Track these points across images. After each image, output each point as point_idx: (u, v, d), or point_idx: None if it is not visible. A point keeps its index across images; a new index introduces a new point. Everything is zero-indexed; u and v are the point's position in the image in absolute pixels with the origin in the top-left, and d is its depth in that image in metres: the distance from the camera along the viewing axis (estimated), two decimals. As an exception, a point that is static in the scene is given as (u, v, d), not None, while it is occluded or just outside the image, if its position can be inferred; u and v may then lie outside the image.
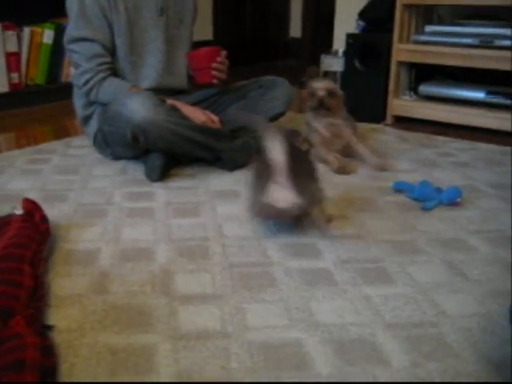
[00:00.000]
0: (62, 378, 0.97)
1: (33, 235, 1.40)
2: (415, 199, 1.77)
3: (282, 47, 5.28)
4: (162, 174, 1.91)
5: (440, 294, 1.25)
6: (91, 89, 1.98)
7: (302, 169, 1.45)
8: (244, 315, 1.15)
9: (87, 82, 1.98)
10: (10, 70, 3.04)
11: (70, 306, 1.18)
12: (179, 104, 1.94)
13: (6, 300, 1.11)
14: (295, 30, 5.22)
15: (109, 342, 1.06)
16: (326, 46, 3.58)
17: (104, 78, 1.97)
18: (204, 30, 2.29)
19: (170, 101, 1.92)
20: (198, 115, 1.96)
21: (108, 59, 1.99)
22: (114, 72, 2.02)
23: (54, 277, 1.30)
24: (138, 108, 1.75)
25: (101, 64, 1.97)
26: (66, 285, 1.27)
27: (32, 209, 1.52)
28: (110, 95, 1.97)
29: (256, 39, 5.01)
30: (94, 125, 2.11)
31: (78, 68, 2.00)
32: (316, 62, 4.13)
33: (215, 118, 2.02)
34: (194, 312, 1.16)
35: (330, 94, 2.12)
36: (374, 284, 1.28)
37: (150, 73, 2.07)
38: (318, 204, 1.51)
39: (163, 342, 1.06)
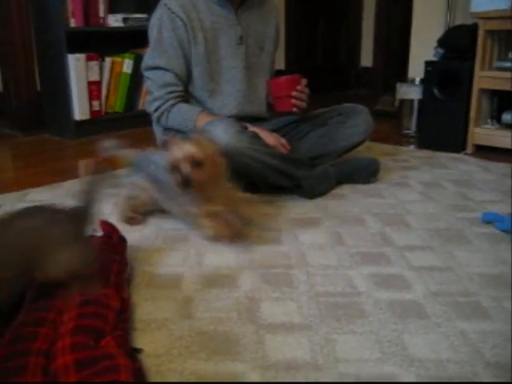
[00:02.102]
0: (152, 403, 0.95)
1: (112, 257, 1.41)
2: (505, 231, 1.68)
3: (353, 76, 5.26)
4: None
5: (543, 332, 1.17)
6: (161, 115, 2.02)
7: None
8: (334, 346, 1.11)
9: (157, 108, 2.02)
10: (91, 98, 3.15)
11: (156, 331, 1.17)
12: (253, 128, 1.94)
13: (97, 320, 1.12)
14: (366, 59, 5.20)
15: (196, 369, 1.04)
16: (398, 74, 3.54)
17: (173, 105, 2.00)
18: (276, 59, 2.29)
19: (250, 127, 1.92)
20: (268, 138, 1.95)
21: (180, 88, 2.02)
22: (186, 100, 2.05)
23: (138, 300, 1.30)
24: (220, 135, 1.76)
25: (171, 92, 2.00)
26: (150, 308, 1.26)
27: (110, 230, 1.55)
28: (178, 121, 2.00)
29: (327, 68, 5.02)
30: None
31: (151, 95, 2.05)
32: (387, 90, 4.09)
33: (285, 142, 2.01)
34: (281, 341, 1.12)
35: (196, 163, 1.53)
36: (469, 319, 1.21)
37: (230, 101, 2.08)
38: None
39: (252, 372, 1.03)
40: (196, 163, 1.53)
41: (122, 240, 1.50)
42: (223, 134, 1.76)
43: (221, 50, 2.05)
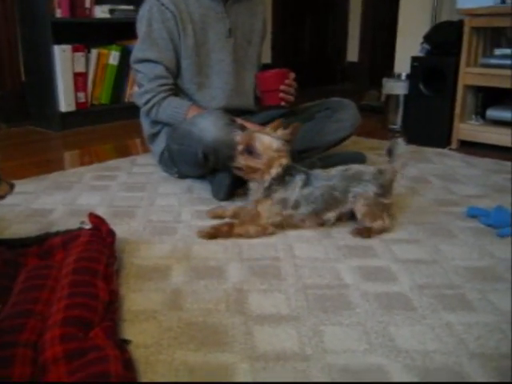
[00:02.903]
0: (141, 394, 0.96)
1: (101, 249, 1.41)
2: (490, 225, 1.71)
3: (339, 71, 5.28)
4: (229, 193, 1.91)
5: (526, 324, 1.19)
6: (151, 108, 2.01)
7: None
8: (322, 338, 1.12)
9: (148, 101, 2.01)
10: (77, 89, 3.13)
11: (145, 322, 1.17)
12: (247, 123, 1.94)
13: (86, 311, 1.12)
14: (352, 54, 5.22)
15: (186, 360, 1.04)
16: (384, 69, 3.56)
17: (164, 98, 2.00)
18: (263, 53, 2.29)
19: (238, 120, 1.92)
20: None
21: (170, 81, 2.02)
22: (176, 93, 2.05)
23: (126, 292, 1.30)
24: (209, 127, 1.76)
25: (162, 85, 2.00)
26: (139, 300, 1.26)
27: (98, 223, 1.54)
28: (168, 114, 2.00)
29: (313, 63, 5.03)
30: (160, 143, 2.14)
31: (141, 88, 2.04)
32: (373, 85, 4.11)
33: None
34: (270, 332, 1.13)
35: (249, 151, 1.63)
36: (454, 311, 1.23)
37: (218, 94, 2.08)
38: None
39: (241, 362, 1.04)
40: (249, 151, 1.61)
41: (111, 233, 1.50)
42: (212, 126, 1.76)
43: (210, 42, 2.05)
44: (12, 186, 1.49)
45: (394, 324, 1.18)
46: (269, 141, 1.62)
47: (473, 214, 1.78)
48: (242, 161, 1.64)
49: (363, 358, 1.06)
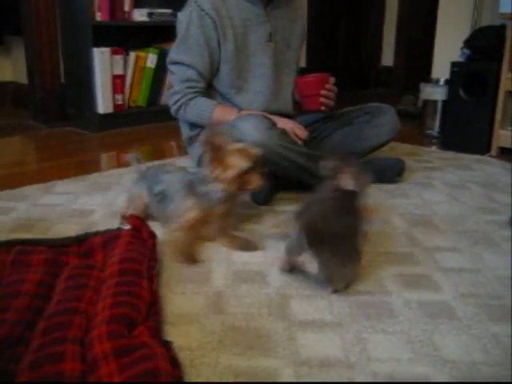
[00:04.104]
0: (187, 396, 0.96)
1: (143, 250, 1.42)
2: (534, 235, 1.68)
3: (373, 75, 5.24)
4: (268, 197, 1.91)
5: None
6: (179, 109, 2.03)
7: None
8: (365, 345, 1.11)
9: (176, 102, 2.03)
10: (115, 91, 3.17)
11: (188, 325, 1.18)
12: (271, 116, 1.92)
13: (130, 310, 1.13)
14: (387, 58, 5.18)
15: (230, 364, 1.05)
16: (420, 74, 3.52)
17: (191, 99, 2.01)
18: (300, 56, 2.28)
19: (257, 112, 1.93)
20: (285, 124, 1.94)
21: (200, 84, 2.03)
22: (206, 96, 2.05)
23: (168, 294, 1.31)
24: (250, 131, 1.76)
25: (191, 87, 2.01)
26: (181, 303, 1.27)
27: (139, 225, 1.56)
28: (195, 113, 2.02)
29: (348, 67, 5.00)
30: (199, 146, 2.14)
31: (172, 88, 2.06)
32: (408, 90, 4.07)
33: (302, 127, 1.99)
34: (313, 338, 1.13)
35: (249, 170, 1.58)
36: (500, 322, 1.21)
37: (257, 98, 2.08)
38: None
39: (285, 368, 1.04)
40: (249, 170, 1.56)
41: (152, 235, 1.51)
42: (253, 130, 1.76)
43: (250, 46, 2.05)
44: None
45: (438, 333, 1.16)
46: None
47: (517, 223, 1.75)
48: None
49: (408, 367, 1.05)
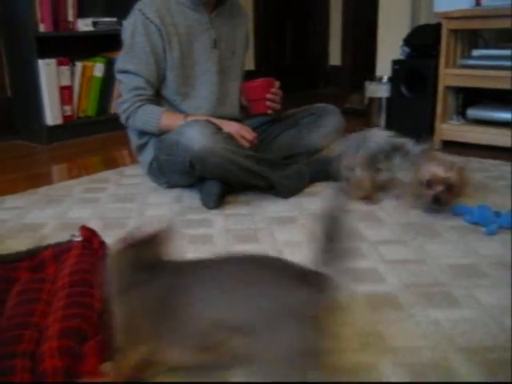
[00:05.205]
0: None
1: (94, 261, 1.44)
2: (474, 223, 1.75)
3: (322, 75, 5.33)
4: (219, 201, 1.95)
5: (508, 318, 1.23)
6: (128, 117, 2.06)
7: None
8: (313, 339, 1.15)
9: (125, 110, 2.05)
10: (63, 102, 3.15)
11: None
12: (217, 121, 1.96)
13: (81, 322, 1.14)
14: (335, 58, 5.27)
15: None
16: (367, 73, 3.61)
17: (139, 107, 2.03)
18: (246, 59, 2.33)
19: (203, 117, 1.96)
20: (232, 126, 1.99)
21: (148, 92, 2.05)
22: (155, 103, 2.08)
23: (121, 302, 1.33)
24: (196, 136, 1.79)
25: (139, 95, 2.03)
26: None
27: (90, 236, 1.57)
28: (143, 120, 2.04)
29: (296, 67, 5.08)
30: (148, 153, 2.16)
31: (121, 97, 2.08)
32: (356, 89, 4.17)
33: (248, 128, 2.04)
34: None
35: (449, 187, 1.79)
36: (441, 308, 1.28)
37: (203, 104, 2.11)
38: None
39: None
40: (450, 187, 1.78)
41: (103, 245, 1.53)
42: (199, 135, 1.80)
43: (195, 54, 2.08)
44: None
45: (382, 323, 1.22)
46: (459, 170, 1.81)
47: (458, 213, 1.83)
48: (445, 198, 1.80)
49: (355, 357, 1.10)
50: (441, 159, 1.86)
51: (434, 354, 1.10)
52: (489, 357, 1.09)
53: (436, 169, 1.79)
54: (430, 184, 1.80)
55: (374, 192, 1.99)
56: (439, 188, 1.79)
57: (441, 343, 1.14)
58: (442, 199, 1.79)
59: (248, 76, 2.30)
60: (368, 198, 1.97)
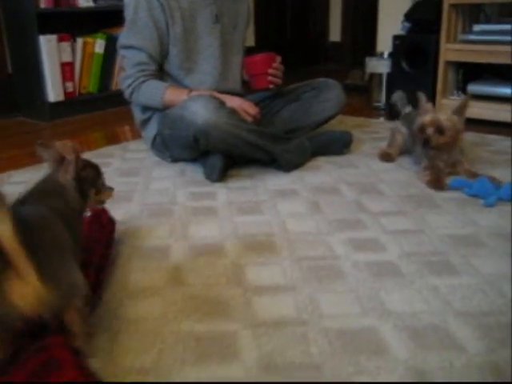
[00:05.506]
0: (152, 362, 1.03)
1: (99, 238, 1.45)
2: (473, 195, 1.79)
3: (322, 51, 5.33)
4: (222, 174, 1.98)
5: (506, 285, 1.27)
6: (132, 92, 2.08)
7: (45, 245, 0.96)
8: (317, 304, 1.20)
9: (129, 86, 2.07)
10: (64, 79, 3.16)
11: (151, 297, 1.24)
12: (221, 95, 1.97)
13: None
14: (335, 34, 5.26)
15: (192, 330, 1.12)
16: (367, 48, 3.62)
17: (143, 82, 2.05)
18: (247, 36, 2.34)
19: (206, 92, 1.99)
20: (235, 101, 2.01)
21: (152, 67, 2.07)
22: (158, 78, 2.10)
23: (130, 271, 1.37)
24: (200, 111, 1.82)
25: (142, 70, 2.05)
26: (143, 278, 1.33)
27: (98, 211, 1.60)
28: (147, 95, 2.06)
29: (297, 44, 5.07)
30: (152, 128, 2.19)
31: (124, 73, 2.10)
32: (356, 65, 4.17)
33: (251, 103, 2.06)
34: (268, 302, 1.21)
35: (439, 130, 1.89)
36: (440, 275, 1.31)
37: (207, 78, 2.13)
38: (73, 299, 1.00)
39: (243, 330, 1.11)
40: (440, 130, 1.88)
41: (111, 220, 1.56)
42: (202, 109, 1.82)
43: (198, 28, 2.09)
44: (111, 190, 1.38)
45: (384, 290, 1.26)
46: (452, 118, 1.91)
47: (456, 186, 1.86)
48: (436, 140, 1.89)
49: (357, 321, 1.14)
50: (432, 109, 1.98)
51: (433, 318, 1.14)
52: (486, 320, 1.13)
53: (428, 115, 1.92)
54: (422, 128, 1.92)
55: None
56: (430, 130, 1.89)
57: (440, 308, 1.18)
58: (432, 141, 1.89)
59: (248, 52, 2.31)
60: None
